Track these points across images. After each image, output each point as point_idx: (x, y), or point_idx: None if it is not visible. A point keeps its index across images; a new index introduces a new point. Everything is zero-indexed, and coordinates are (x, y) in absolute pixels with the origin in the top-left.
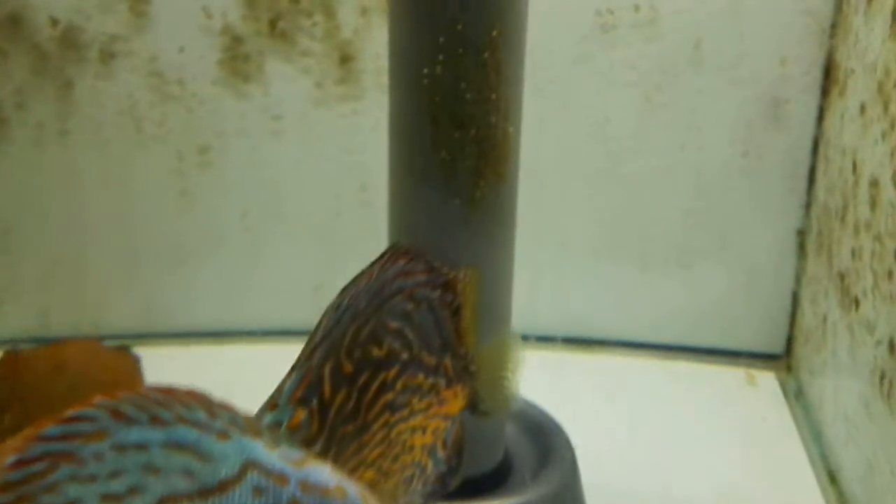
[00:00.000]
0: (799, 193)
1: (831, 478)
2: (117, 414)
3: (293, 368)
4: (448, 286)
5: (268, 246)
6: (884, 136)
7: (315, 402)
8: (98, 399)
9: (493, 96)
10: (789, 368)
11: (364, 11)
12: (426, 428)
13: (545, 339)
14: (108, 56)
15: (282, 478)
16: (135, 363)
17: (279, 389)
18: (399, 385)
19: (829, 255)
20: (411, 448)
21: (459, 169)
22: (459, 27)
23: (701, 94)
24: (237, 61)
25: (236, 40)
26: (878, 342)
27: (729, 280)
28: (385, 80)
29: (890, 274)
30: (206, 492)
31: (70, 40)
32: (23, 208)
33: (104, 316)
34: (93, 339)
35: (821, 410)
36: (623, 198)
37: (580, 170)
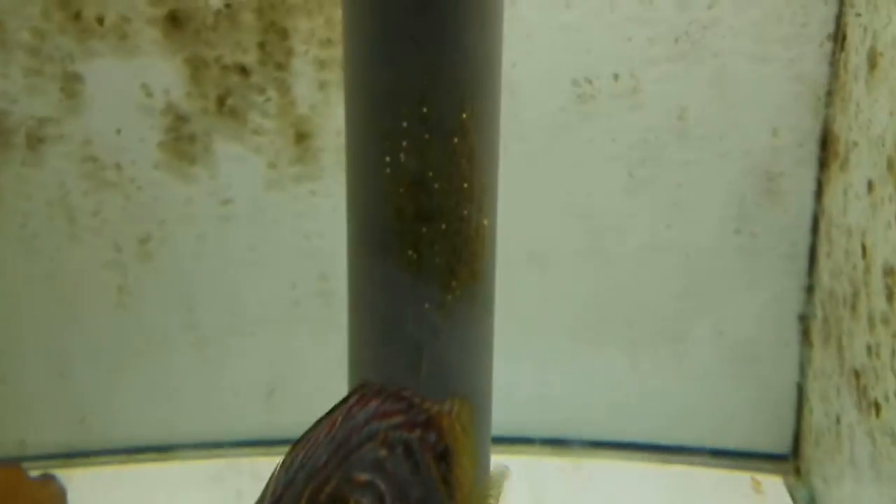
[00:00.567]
0: (799, 275)
1: None
2: None
3: None
4: (430, 424)
5: (216, 345)
6: None
7: None
8: None
9: (465, 185)
10: (798, 472)
11: (322, 85)
12: None
13: (523, 441)
14: (36, 141)
15: None
16: (60, 495)
17: None
18: None
19: (840, 348)
20: None
21: (428, 269)
22: (425, 109)
23: (687, 167)
24: (182, 142)
25: (181, 119)
26: None
27: (726, 371)
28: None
29: None
30: None
31: None
32: None
33: (31, 432)
34: (15, 462)
35: None
36: (607, 281)
37: (559, 250)
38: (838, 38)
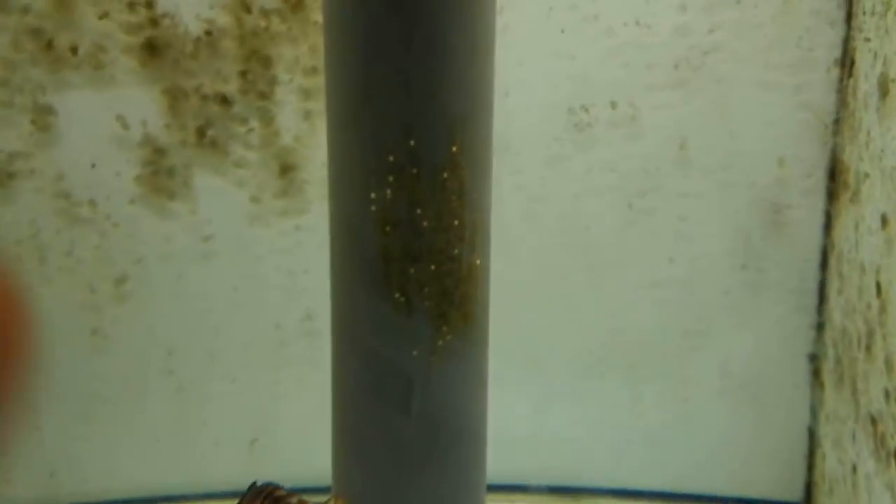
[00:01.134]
0: (808, 312)
1: None
2: None
3: None
4: None
5: (196, 391)
6: None
7: None
8: None
9: (456, 223)
10: None
11: (307, 115)
12: None
13: (519, 489)
14: (5, 177)
15: None
16: None
17: None
18: None
19: (854, 391)
20: None
21: (417, 313)
22: (412, 142)
23: (689, 198)
24: (160, 176)
25: (158, 152)
26: None
27: (733, 413)
28: None
29: None
30: None
31: None
32: None
33: None
34: None
35: None
36: (607, 319)
37: (556, 286)
38: (846, 63)
